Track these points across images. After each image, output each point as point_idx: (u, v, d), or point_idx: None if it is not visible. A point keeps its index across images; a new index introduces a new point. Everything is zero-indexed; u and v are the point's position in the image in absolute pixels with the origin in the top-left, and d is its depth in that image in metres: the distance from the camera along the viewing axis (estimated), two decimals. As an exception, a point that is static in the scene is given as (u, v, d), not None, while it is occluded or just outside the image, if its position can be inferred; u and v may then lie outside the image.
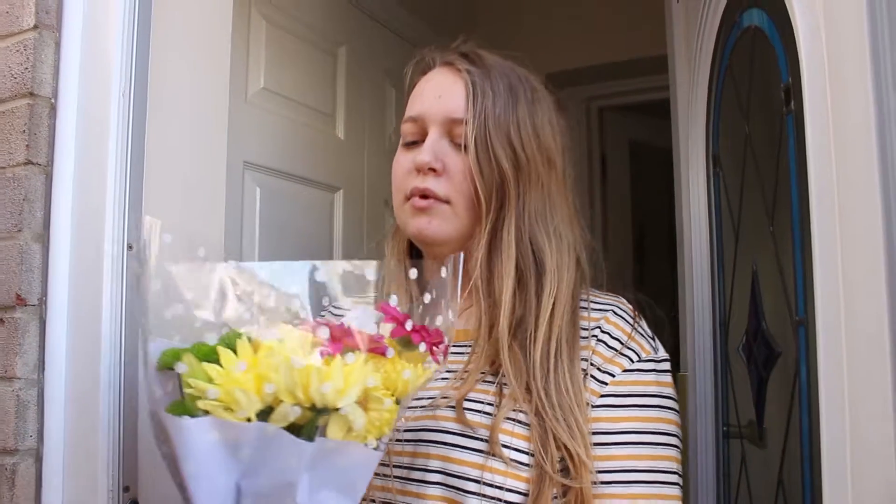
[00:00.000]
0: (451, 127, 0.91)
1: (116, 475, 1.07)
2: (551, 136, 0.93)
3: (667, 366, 0.91)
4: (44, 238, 1.11)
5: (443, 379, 0.90)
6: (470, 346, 0.92)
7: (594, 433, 0.84)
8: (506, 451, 0.82)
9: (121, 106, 1.11)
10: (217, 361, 0.63)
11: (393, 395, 0.67)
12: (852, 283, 0.84)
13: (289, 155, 1.82)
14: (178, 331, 0.68)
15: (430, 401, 0.87)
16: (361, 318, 0.70)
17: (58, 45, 1.15)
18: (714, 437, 1.43)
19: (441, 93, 0.93)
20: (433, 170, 0.90)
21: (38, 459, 1.08)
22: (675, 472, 0.85)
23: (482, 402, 0.86)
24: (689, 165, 1.52)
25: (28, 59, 1.12)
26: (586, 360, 0.87)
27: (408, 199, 0.92)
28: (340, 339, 0.65)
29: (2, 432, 1.08)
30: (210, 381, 0.62)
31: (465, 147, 0.89)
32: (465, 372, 0.89)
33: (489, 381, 0.88)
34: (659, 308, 0.98)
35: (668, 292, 1.67)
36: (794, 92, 0.99)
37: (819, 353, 0.90)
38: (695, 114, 1.50)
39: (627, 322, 0.91)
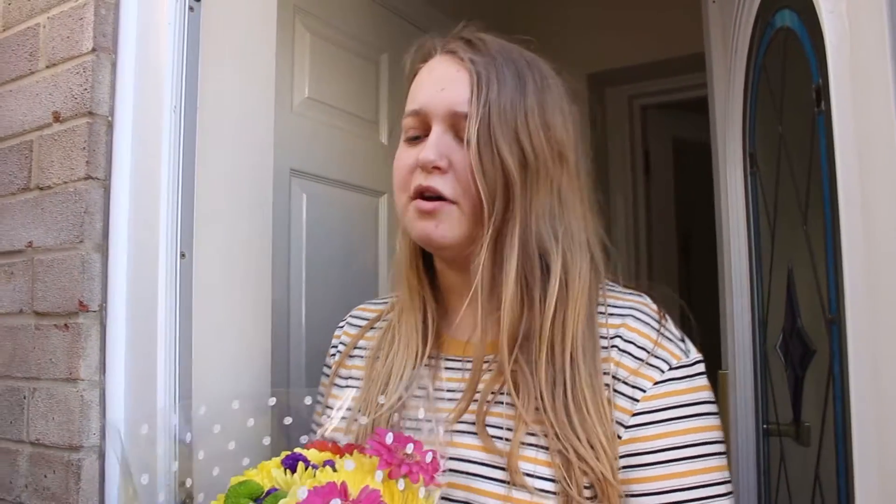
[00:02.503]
0: (455, 121, 0.84)
1: (173, 472, 1.13)
2: (563, 127, 0.86)
3: (700, 368, 0.83)
4: (103, 248, 1.18)
5: (448, 400, 0.86)
6: (469, 361, 0.86)
7: (631, 455, 0.78)
8: (529, 480, 0.76)
9: (172, 121, 1.18)
10: None
11: None
12: (879, 282, 0.85)
13: (334, 162, 1.88)
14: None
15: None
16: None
17: (114, 65, 1.22)
18: (755, 435, 1.43)
19: (444, 84, 0.86)
20: (438, 168, 0.83)
21: (101, 456, 1.15)
22: (723, 483, 0.78)
23: (498, 427, 0.80)
24: (727, 164, 1.53)
25: (87, 80, 1.20)
26: (608, 373, 0.80)
27: (412, 199, 0.86)
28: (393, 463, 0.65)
29: (68, 430, 1.15)
30: None
31: (469, 143, 0.82)
32: (475, 392, 0.83)
33: (500, 402, 0.82)
34: (689, 305, 0.92)
35: (715, 289, 1.67)
36: (823, 92, 1.00)
37: (849, 351, 0.91)
38: (731, 113, 1.50)
39: (651, 326, 0.83)
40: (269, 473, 0.72)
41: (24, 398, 1.22)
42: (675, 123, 3.09)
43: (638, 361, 0.80)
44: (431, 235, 0.84)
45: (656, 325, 0.83)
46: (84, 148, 1.19)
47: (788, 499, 1.28)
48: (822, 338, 1.07)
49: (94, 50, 1.20)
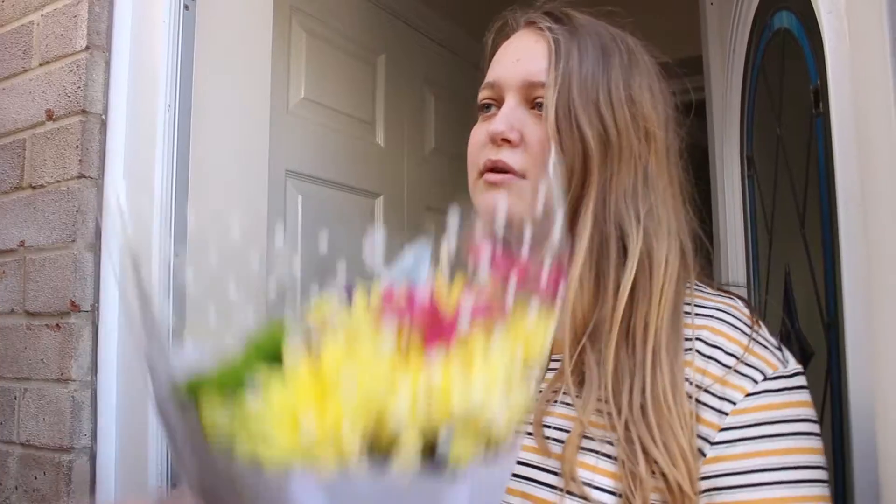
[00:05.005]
0: (530, 92, 0.78)
1: (165, 473, 1.12)
2: (651, 105, 0.78)
3: (801, 381, 0.71)
4: (95, 247, 1.17)
5: None
6: (559, 358, 0.76)
7: (717, 475, 0.67)
8: (587, 490, 0.67)
9: (167, 120, 1.17)
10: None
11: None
12: (878, 285, 0.84)
13: (330, 163, 1.87)
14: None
15: None
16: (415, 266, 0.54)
17: (107, 64, 1.21)
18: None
19: (520, 55, 0.81)
20: (508, 141, 0.77)
21: (92, 457, 1.13)
22: None
23: (559, 429, 0.72)
24: (725, 167, 1.53)
25: (80, 78, 1.19)
26: (689, 380, 0.69)
27: (481, 174, 0.79)
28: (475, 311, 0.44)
29: (59, 431, 1.14)
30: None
31: (546, 113, 0.75)
32: (554, 392, 0.74)
33: (564, 403, 0.73)
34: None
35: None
36: (822, 94, 0.99)
37: (847, 354, 0.91)
38: (729, 115, 1.50)
39: (741, 331, 0.72)
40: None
41: (15, 399, 1.21)
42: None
43: (726, 369, 0.69)
44: (497, 210, 0.73)
45: (747, 330, 0.72)
46: (77, 146, 1.18)
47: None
48: (820, 341, 1.07)
49: (87, 48, 1.19)
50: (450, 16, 2.41)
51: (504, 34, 0.86)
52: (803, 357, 1.15)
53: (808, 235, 1.11)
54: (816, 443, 0.68)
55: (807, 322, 1.14)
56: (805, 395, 0.70)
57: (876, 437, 0.86)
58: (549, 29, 0.79)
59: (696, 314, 0.73)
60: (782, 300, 1.24)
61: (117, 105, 1.20)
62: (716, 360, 0.69)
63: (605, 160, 0.74)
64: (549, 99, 0.75)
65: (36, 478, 1.15)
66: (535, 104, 0.77)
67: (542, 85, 0.76)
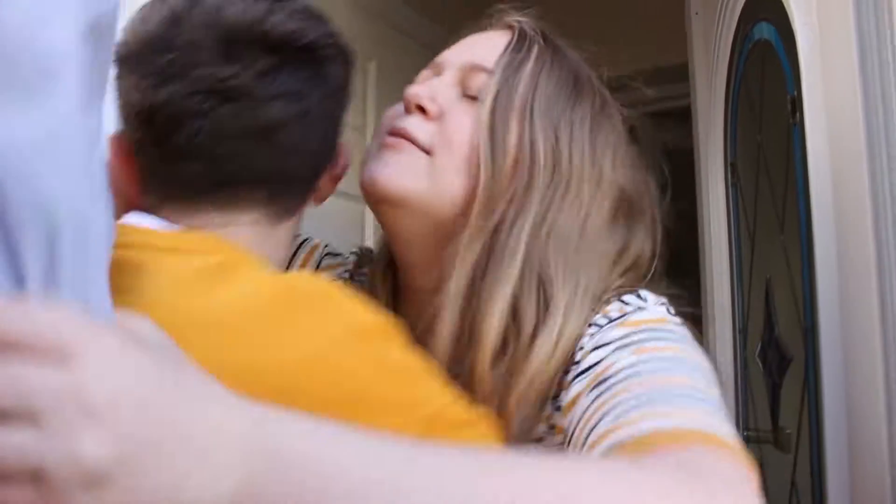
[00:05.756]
0: (469, 74, 0.67)
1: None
2: (611, 165, 0.67)
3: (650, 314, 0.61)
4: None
5: None
6: None
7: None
8: None
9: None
10: None
11: None
12: (851, 290, 0.87)
13: (321, 168, 1.88)
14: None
15: None
16: None
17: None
18: (735, 442, 1.45)
19: (476, 42, 0.71)
20: (422, 109, 0.65)
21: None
22: None
23: None
24: (710, 173, 1.55)
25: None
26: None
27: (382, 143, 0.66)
28: None
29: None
30: None
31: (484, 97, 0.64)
32: None
33: None
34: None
35: (697, 297, 1.68)
36: (798, 103, 1.02)
37: (822, 357, 0.93)
38: (713, 123, 1.53)
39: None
40: None
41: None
42: (660, 132, 3.11)
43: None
44: (376, 176, 0.63)
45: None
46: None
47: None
48: (799, 346, 1.09)
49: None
50: (441, 21, 2.43)
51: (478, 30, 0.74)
52: (782, 362, 1.18)
53: (786, 242, 1.14)
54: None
55: (786, 327, 1.17)
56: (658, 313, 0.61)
57: (850, 438, 0.88)
58: (519, 22, 0.70)
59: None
60: (763, 306, 1.27)
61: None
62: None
63: (549, 186, 0.63)
64: (494, 84, 0.64)
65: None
66: (469, 88, 0.66)
67: (486, 71, 0.65)
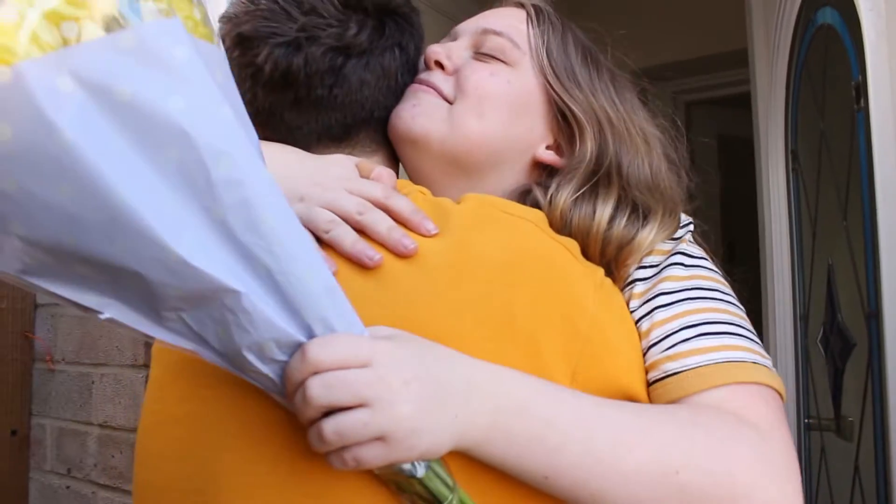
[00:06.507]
0: (483, 38, 0.73)
1: None
2: (643, 121, 0.75)
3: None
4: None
5: None
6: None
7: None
8: None
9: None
10: None
11: None
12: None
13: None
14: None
15: None
16: None
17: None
18: (796, 430, 1.44)
19: (487, 14, 0.77)
20: (441, 65, 0.72)
21: (164, 437, 1.22)
22: None
23: None
24: (770, 161, 1.54)
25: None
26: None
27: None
28: None
29: (134, 413, 1.22)
30: None
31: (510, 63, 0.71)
32: None
33: None
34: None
35: (758, 284, 1.67)
36: (862, 90, 1.01)
37: (887, 344, 0.93)
38: (774, 109, 1.51)
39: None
40: None
41: (93, 383, 1.30)
42: (720, 120, 3.07)
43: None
44: (404, 117, 0.70)
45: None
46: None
47: (829, 492, 1.29)
48: (862, 332, 1.09)
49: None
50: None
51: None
52: (845, 349, 1.17)
53: (850, 228, 1.13)
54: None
55: (849, 313, 1.16)
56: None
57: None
58: (533, 4, 0.76)
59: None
60: (825, 292, 1.26)
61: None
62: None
63: (615, 136, 0.70)
64: (538, 48, 0.72)
65: (113, 456, 1.24)
66: (482, 53, 0.72)
67: (496, 32, 0.72)
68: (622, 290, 0.66)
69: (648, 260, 0.67)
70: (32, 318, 1.41)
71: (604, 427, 0.51)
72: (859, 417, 1.12)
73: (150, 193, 0.42)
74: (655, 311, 0.62)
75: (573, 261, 0.61)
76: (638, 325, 0.63)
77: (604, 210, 0.67)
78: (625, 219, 0.67)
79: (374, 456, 0.46)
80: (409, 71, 0.71)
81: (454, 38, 0.76)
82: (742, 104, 2.50)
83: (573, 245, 0.63)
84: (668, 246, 0.67)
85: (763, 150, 1.57)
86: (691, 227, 0.71)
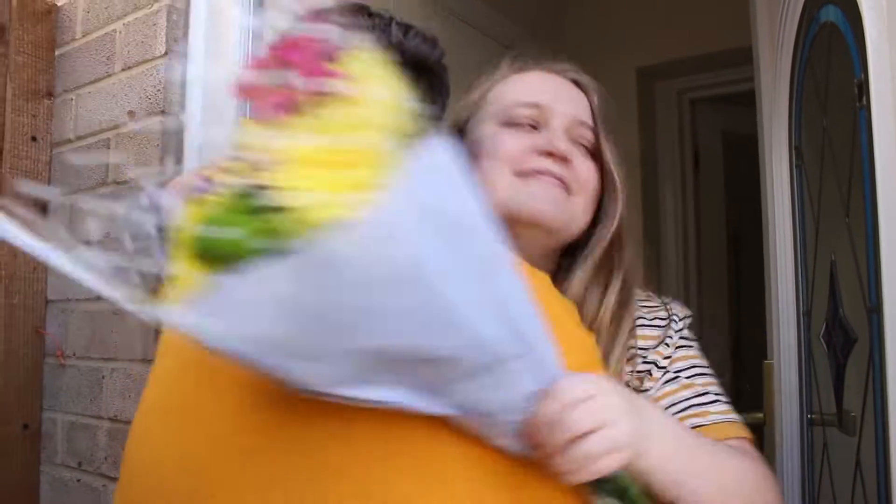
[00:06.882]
0: (576, 130, 0.89)
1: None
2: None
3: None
4: (175, 238, 1.27)
5: None
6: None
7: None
8: None
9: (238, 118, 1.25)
10: None
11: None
12: (916, 272, 0.88)
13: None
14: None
15: None
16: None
17: (184, 67, 1.30)
18: (799, 425, 1.45)
19: (565, 94, 0.91)
20: (566, 160, 0.85)
21: (174, 431, 1.23)
22: None
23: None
24: (774, 157, 1.55)
25: (160, 81, 1.28)
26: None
27: (527, 175, 0.85)
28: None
29: (143, 407, 1.24)
30: None
31: (595, 154, 0.89)
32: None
33: None
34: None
35: (762, 281, 1.68)
36: (865, 87, 1.02)
37: (887, 339, 0.94)
38: (778, 106, 1.52)
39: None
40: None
41: (103, 378, 1.32)
42: (724, 117, 3.08)
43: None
44: (546, 209, 0.84)
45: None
46: (157, 145, 1.27)
47: (831, 487, 1.30)
48: (863, 327, 1.10)
49: (165, 53, 1.28)
50: (501, 8, 2.45)
51: (517, 68, 0.96)
52: (846, 343, 1.18)
53: (852, 224, 1.14)
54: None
55: (851, 308, 1.17)
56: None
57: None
58: (582, 86, 0.94)
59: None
60: (828, 287, 1.27)
61: (193, 105, 1.29)
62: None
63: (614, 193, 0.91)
64: (604, 142, 0.90)
65: (123, 450, 1.25)
66: (577, 138, 0.88)
67: (589, 127, 0.89)
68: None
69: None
70: (44, 313, 1.43)
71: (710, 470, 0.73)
72: (860, 413, 1.13)
73: (464, 284, 0.50)
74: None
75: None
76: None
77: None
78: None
79: (610, 463, 0.60)
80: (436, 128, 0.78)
81: (542, 115, 0.88)
82: (746, 101, 2.50)
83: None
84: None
85: (767, 147, 1.58)
86: (689, 321, 0.97)
